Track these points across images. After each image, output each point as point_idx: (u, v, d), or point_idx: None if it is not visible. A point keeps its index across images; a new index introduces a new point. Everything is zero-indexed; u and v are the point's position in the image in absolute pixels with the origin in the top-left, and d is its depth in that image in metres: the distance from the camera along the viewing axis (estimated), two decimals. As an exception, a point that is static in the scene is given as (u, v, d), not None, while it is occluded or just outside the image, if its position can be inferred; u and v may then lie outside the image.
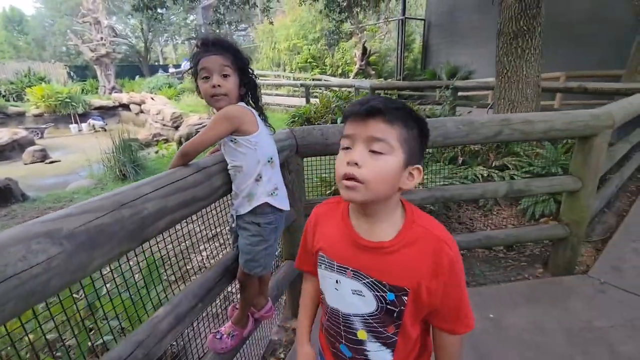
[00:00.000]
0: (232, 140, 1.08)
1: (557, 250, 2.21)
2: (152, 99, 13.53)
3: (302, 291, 0.91)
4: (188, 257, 2.67)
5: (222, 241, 2.58)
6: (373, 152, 0.61)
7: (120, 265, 1.17)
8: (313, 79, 12.31)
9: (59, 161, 8.40)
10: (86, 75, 20.82)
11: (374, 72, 13.13)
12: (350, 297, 0.70)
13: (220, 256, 1.39)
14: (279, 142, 1.53)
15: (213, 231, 1.64)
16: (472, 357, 1.57)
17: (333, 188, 2.96)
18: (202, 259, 2.64)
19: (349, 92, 8.83)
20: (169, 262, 2.01)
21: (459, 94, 7.78)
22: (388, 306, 0.68)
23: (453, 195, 1.90)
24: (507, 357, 1.58)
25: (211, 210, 1.43)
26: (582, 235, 2.14)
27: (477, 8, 9.48)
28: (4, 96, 15.44)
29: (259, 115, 1.16)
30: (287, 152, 1.59)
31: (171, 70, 22.93)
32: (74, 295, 1.35)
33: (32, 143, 9.60)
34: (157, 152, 7.53)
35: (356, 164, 0.61)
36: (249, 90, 1.13)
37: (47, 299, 0.67)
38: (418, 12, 17.71)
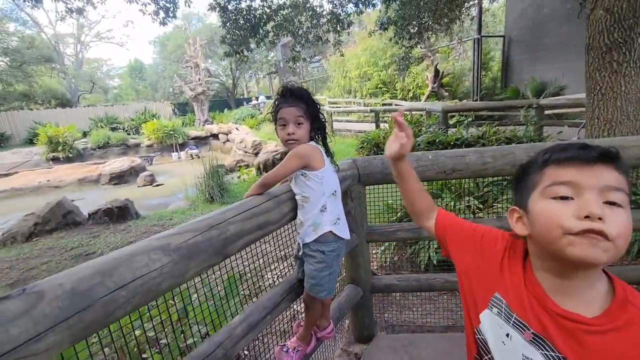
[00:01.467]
0: (302, 175, 1.25)
1: (671, 296, 1.85)
2: (237, 129, 15.19)
3: (425, 198, 0.89)
4: (261, 274, 2.92)
5: (290, 261, 2.78)
6: (611, 204, 0.53)
7: (210, 280, 1.41)
8: (383, 104, 12.43)
9: (163, 184, 9.90)
10: (186, 110, 24.33)
11: (447, 93, 12.69)
12: (519, 359, 0.60)
13: (289, 274, 1.55)
14: (343, 171, 1.67)
15: (284, 252, 1.83)
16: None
17: (398, 215, 2.96)
18: (273, 276, 2.86)
19: (420, 115, 8.69)
20: (246, 278, 2.26)
21: (547, 112, 7.07)
22: None
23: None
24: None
25: (282, 232, 1.62)
26: None
27: (566, 19, 8.63)
28: (126, 131, 18.98)
29: (326, 153, 1.32)
30: (349, 181, 1.71)
31: (253, 102, 25.51)
32: (170, 301, 1.63)
33: (144, 169, 11.53)
34: (239, 176, 8.37)
35: (600, 218, 0.51)
36: (318, 131, 1.30)
37: (158, 297, 0.88)
38: (498, 27, 16.77)
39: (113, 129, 18.77)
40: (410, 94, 14.31)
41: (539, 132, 5.83)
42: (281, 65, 28.21)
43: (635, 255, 2.38)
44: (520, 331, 0.61)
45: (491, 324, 0.65)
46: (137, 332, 1.70)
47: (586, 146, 0.56)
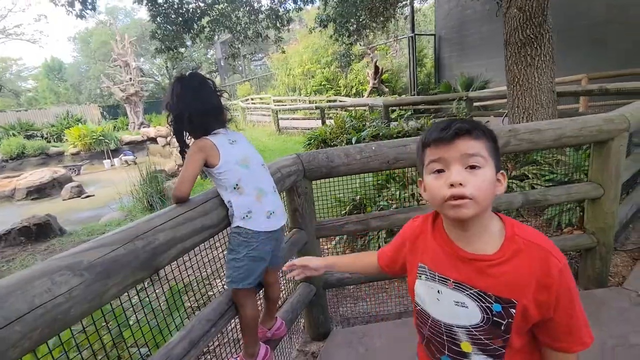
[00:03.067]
0: (207, 172, 1.18)
1: (585, 261, 2.10)
2: (177, 131, 14.25)
3: (365, 254, 1.02)
4: (209, 283, 2.75)
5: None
6: (472, 167, 0.65)
7: (153, 293, 1.25)
8: (328, 101, 12.58)
9: (93, 196, 8.93)
10: (117, 113, 22.30)
11: (387, 89, 13.23)
12: (452, 308, 0.72)
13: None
14: (286, 167, 1.61)
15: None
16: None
17: (348, 208, 2.98)
18: (225, 284, 2.71)
19: (364, 110, 8.94)
20: (192, 289, 2.09)
21: (476, 104, 7.71)
22: (495, 318, 0.68)
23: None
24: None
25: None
26: (611, 244, 2.03)
27: (487, 19, 9.49)
28: (45, 138, 16.81)
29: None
30: (294, 176, 1.65)
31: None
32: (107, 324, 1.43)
33: (70, 180, 10.29)
34: (182, 181, 7.85)
35: (461, 184, 0.64)
36: (192, 121, 1.15)
37: (69, 327, 0.74)
38: (429, 27, 17.91)
39: (29, 137, 16.50)
40: (354, 90, 14.68)
41: (469, 123, 6.33)
42: (222, 64, 27.21)
43: (556, 228, 2.66)
44: (445, 284, 0.73)
45: (424, 290, 0.77)
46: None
47: (446, 127, 0.67)
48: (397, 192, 2.92)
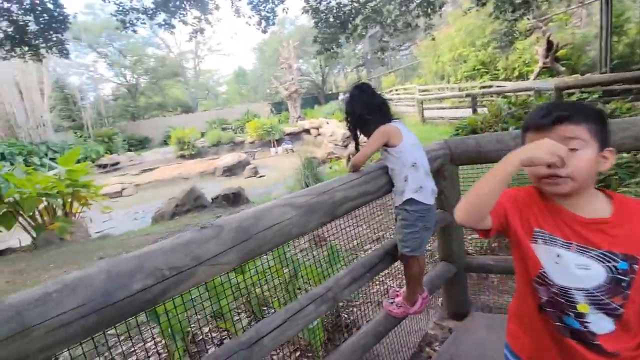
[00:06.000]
0: (385, 150, 1.46)
1: None
2: (327, 123, 15.86)
3: None
4: (356, 254, 3.17)
5: (383, 242, 2.94)
6: (571, 150, 0.70)
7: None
8: (481, 87, 11.38)
9: (264, 176, 11.14)
10: (281, 109, 26.40)
11: (564, 68, 10.86)
12: (574, 271, 0.73)
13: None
14: (433, 151, 1.77)
15: (378, 234, 2.02)
16: None
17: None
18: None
19: (527, 96, 7.73)
20: (343, 257, 2.53)
21: None
22: (619, 275, 0.71)
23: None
24: None
25: (375, 215, 1.81)
26: None
27: None
28: (233, 130, 21.69)
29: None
30: (440, 160, 1.80)
31: (341, 97, 26.13)
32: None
33: (249, 163, 13.10)
34: (330, 167, 8.85)
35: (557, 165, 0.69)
36: (368, 116, 1.48)
37: (291, 240, 1.17)
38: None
39: (223, 129, 21.67)
40: (516, 73, 12.71)
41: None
42: (368, 57, 28.08)
43: None
44: (567, 248, 0.75)
45: (543, 254, 0.78)
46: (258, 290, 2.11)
47: (546, 114, 0.73)
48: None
